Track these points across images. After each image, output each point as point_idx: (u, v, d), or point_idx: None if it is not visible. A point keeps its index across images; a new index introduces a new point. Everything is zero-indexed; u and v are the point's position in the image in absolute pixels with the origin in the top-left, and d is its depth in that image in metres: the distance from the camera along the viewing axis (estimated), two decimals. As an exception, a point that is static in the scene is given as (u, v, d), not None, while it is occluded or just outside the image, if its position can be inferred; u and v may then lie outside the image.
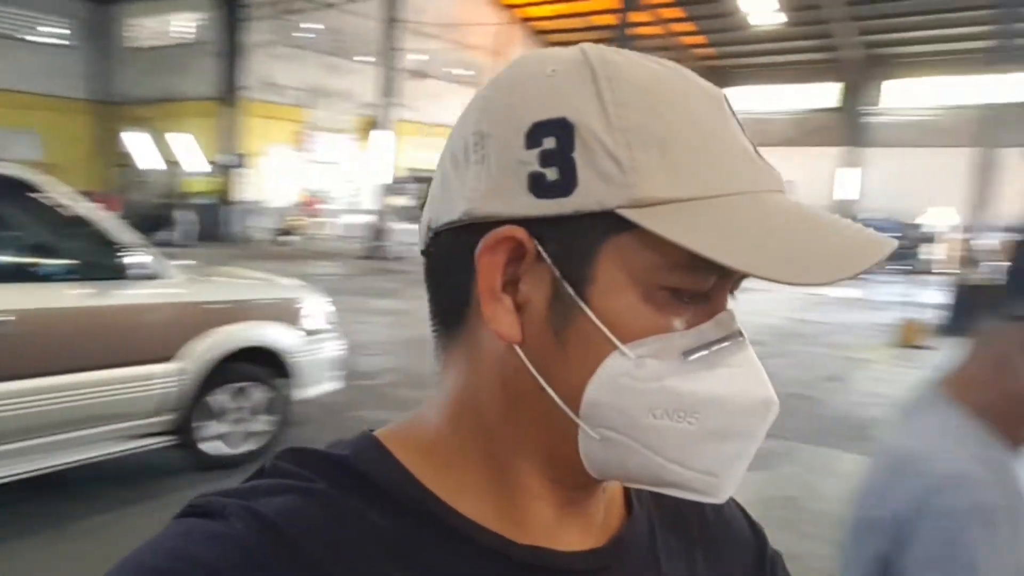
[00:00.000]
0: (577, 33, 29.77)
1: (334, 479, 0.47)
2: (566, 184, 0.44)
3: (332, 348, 5.02)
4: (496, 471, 0.50)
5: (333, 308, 5.12)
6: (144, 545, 0.43)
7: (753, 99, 28.54)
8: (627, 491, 0.58)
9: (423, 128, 26.67)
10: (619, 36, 15.88)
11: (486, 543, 0.48)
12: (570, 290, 0.45)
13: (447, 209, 0.48)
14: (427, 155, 27.04)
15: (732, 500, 0.64)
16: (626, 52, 0.47)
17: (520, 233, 0.45)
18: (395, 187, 19.78)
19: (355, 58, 24.20)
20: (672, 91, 0.46)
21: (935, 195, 22.52)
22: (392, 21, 19.06)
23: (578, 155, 0.44)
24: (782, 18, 24.70)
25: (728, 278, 0.46)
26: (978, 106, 11.92)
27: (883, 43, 26.02)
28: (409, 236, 19.03)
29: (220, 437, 4.49)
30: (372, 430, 0.53)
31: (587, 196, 0.43)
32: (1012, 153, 13.63)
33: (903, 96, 26.75)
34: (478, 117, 0.48)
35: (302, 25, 22.88)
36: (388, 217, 19.31)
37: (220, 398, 4.46)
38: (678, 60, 0.47)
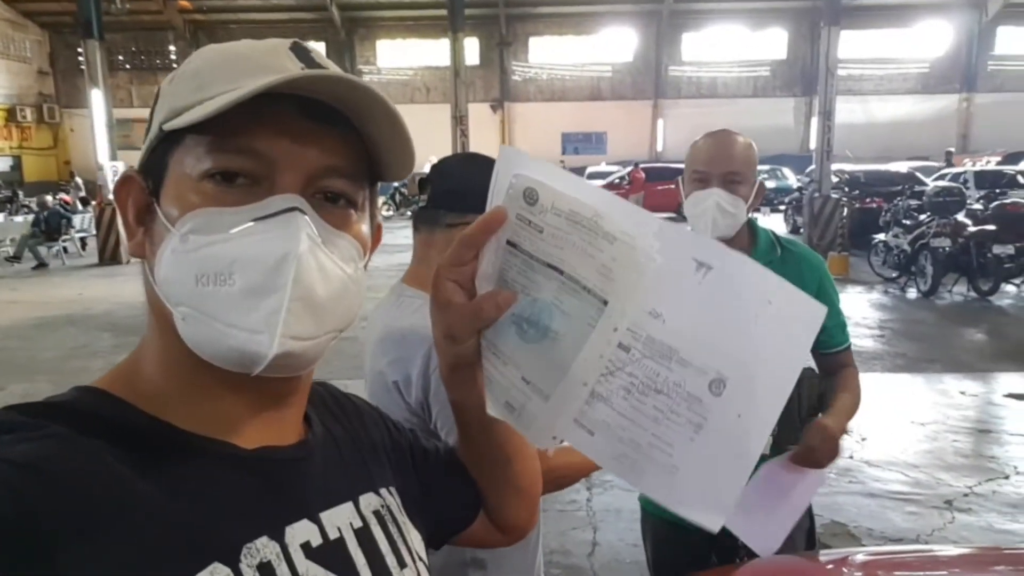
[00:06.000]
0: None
1: (67, 422, 0.53)
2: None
3: None
4: (187, 386, 0.59)
5: None
6: None
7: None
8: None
9: None
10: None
11: (214, 450, 0.58)
12: (153, 198, 0.59)
13: None
14: None
15: (360, 399, 0.85)
16: None
17: (133, 173, 0.62)
18: None
19: None
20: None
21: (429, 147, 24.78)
22: None
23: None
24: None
25: (278, 161, 0.57)
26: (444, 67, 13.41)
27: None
28: None
29: None
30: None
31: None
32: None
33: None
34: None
35: None
36: None
37: None
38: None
